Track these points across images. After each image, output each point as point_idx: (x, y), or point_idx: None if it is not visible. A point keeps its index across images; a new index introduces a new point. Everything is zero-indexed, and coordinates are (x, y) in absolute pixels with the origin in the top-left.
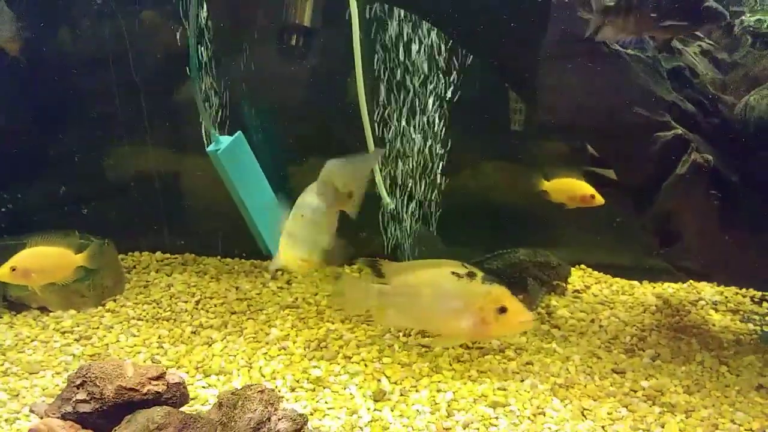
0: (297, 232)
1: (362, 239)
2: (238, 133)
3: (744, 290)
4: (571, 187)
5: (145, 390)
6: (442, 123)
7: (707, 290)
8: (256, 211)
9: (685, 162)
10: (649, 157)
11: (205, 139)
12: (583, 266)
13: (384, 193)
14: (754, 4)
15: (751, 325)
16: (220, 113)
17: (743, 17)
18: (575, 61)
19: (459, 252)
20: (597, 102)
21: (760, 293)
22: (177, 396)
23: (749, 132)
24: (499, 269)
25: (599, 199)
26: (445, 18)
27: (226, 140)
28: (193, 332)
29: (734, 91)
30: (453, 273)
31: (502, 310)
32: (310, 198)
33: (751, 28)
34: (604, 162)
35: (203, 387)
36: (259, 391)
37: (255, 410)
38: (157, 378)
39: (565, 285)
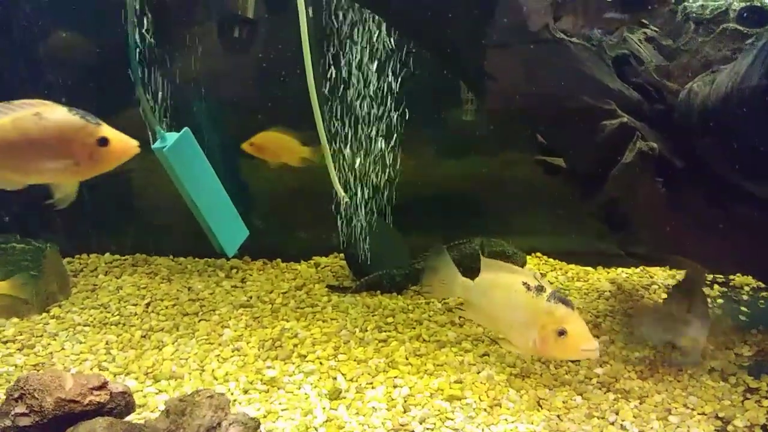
0: None
1: (319, 233)
2: (185, 129)
3: None
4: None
5: (86, 401)
6: (395, 114)
7: (660, 274)
8: (207, 209)
9: (631, 150)
10: (596, 145)
11: (150, 137)
12: (538, 254)
13: (338, 187)
14: None
15: None
16: (164, 109)
17: (686, 3)
18: (521, 50)
19: (415, 242)
20: (543, 90)
21: (711, 276)
22: (121, 405)
23: (693, 118)
24: (454, 260)
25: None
26: (390, 7)
27: (172, 137)
28: (143, 336)
29: (678, 78)
30: (524, 284)
31: (562, 332)
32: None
33: (694, 14)
34: (553, 150)
35: (154, 393)
36: (208, 396)
37: (204, 416)
38: (99, 388)
39: None
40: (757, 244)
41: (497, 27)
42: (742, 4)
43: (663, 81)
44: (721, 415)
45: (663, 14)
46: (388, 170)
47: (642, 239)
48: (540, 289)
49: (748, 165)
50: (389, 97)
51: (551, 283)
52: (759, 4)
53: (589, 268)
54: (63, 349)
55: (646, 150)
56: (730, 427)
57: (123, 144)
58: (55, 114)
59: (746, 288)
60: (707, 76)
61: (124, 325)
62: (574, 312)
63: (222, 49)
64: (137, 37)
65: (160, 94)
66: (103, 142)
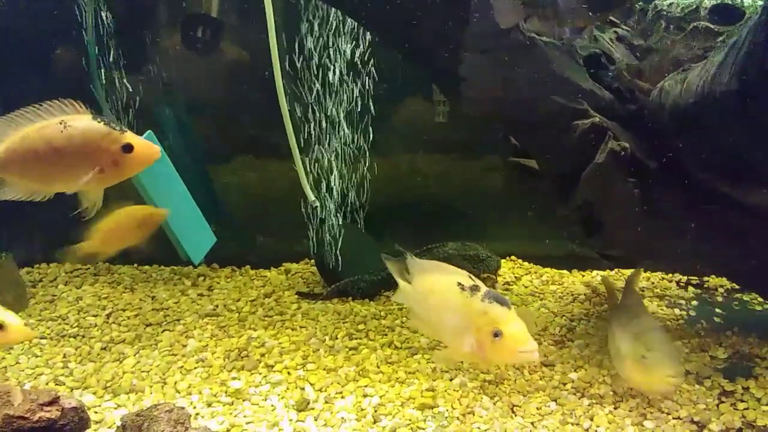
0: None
1: (290, 239)
2: (148, 132)
3: (670, 275)
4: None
5: (36, 417)
6: (366, 117)
7: None
8: (171, 215)
9: (602, 150)
10: (568, 145)
11: None
12: (513, 257)
13: (309, 192)
14: None
15: (677, 310)
16: (125, 111)
17: (656, 2)
18: (492, 50)
19: (389, 248)
20: (516, 92)
21: (685, 278)
22: (74, 422)
23: (665, 118)
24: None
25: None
26: (363, 10)
27: None
28: (103, 348)
29: (650, 77)
30: (458, 284)
31: (497, 334)
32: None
33: (665, 13)
34: (525, 152)
35: (112, 408)
36: (167, 411)
37: (162, 431)
38: (50, 403)
39: (495, 277)
40: (731, 245)
41: (467, 27)
42: (713, 2)
43: (635, 80)
44: (696, 419)
45: (635, 12)
46: (360, 175)
47: (615, 241)
48: (475, 288)
49: (720, 165)
50: (360, 99)
51: (525, 287)
52: (729, 2)
53: (564, 271)
54: (18, 362)
55: (617, 150)
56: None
57: (147, 149)
58: (80, 122)
59: (720, 289)
60: (678, 74)
61: (83, 337)
62: (510, 311)
63: (186, 50)
64: (95, 41)
65: (123, 96)
66: (128, 148)
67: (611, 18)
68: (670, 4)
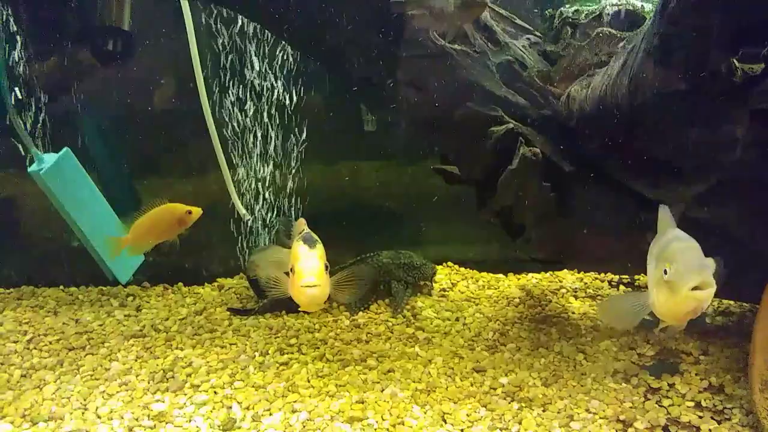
0: None
1: (223, 253)
2: (65, 149)
3: (602, 275)
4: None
5: None
6: (296, 127)
7: (568, 278)
8: (93, 234)
9: (516, 156)
10: (485, 152)
11: (26, 160)
12: (450, 263)
13: (239, 206)
14: None
15: None
16: (42, 128)
17: (562, 8)
18: (405, 59)
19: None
20: (430, 99)
21: (617, 277)
22: None
23: (573, 122)
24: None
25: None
26: (282, 23)
27: (50, 158)
28: (23, 376)
29: (561, 82)
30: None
31: (292, 269)
32: None
33: (570, 19)
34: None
35: None
36: None
37: None
38: None
39: (431, 284)
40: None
41: (380, 35)
42: (615, 8)
43: (547, 86)
44: (622, 417)
45: (546, 19)
46: (290, 184)
47: (538, 245)
48: (301, 233)
49: (628, 165)
50: (286, 109)
51: (461, 293)
52: (630, 8)
53: (501, 275)
54: None
55: (529, 155)
56: (631, 430)
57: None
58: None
59: None
60: (584, 80)
61: (2, 364)
62: (307, 249)
63: (97, 63)
64: (5, 55)
65: (37, 113)
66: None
67: (522, 24)
68: (575, 10)
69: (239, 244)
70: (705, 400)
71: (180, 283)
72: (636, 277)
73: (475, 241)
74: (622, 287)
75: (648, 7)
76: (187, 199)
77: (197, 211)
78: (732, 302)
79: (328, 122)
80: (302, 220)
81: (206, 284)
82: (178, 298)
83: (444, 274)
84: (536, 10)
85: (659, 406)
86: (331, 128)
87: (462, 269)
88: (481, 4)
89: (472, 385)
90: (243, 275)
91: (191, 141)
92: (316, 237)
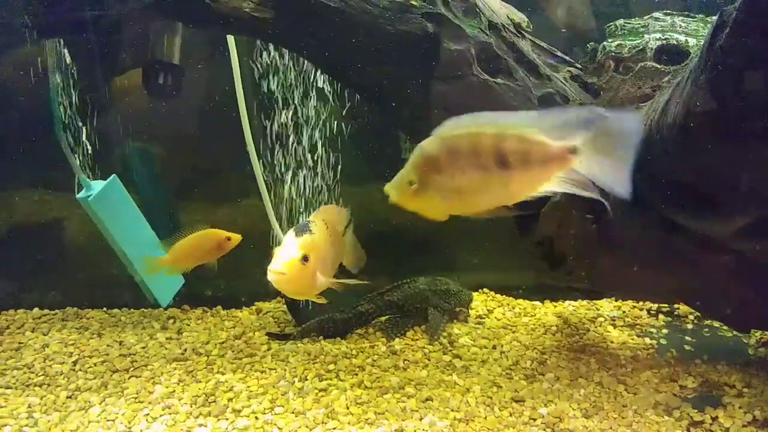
0: None
1: (262, 277)
2: (113, 176)
3: (641, 303)
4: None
5: None
6: (333, 152)
7: (606, 306)
8: (137, 259)
9: None
10: None
11: (75, 186)
12: (485, 290)
13: (277, 229)
14: (614, 29)
15: (647, 339)
16: (91, 157)
17: (605, 43)
18: (448, 91)
19: (359, 283)
20: None
21: (656, 305)
22: None
23: None
24: (399, 301)
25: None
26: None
27: (98, 185)
28: (69, 397)
29: None
30: None
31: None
32: None
33: (613, 53)
34: None
35: None
36: None
37: None
38: None
39: (467, 311)
40: (689, 275)
41: (425, 70)
42: (659, 43)
43: None
44: None
45: (588, 53)
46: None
47: (577, 275)
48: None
49: (673, 198)
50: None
51: (498, 320)
52: (675, 42)
53: (537, 303)
54: None
55: None
56: None
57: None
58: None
59: (690, 316)
60: None
61: (48, 385)
62: (293, 236)
63: (148, 96)
64: (59, 86)
65: (88, 143)
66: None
67: (563, 56)
68: (618, 44)
69: None
70: None
71: (219, 307)
72: (676, 306)
73: (509, 268)
74: (661, 316)
75: (692, 41)
76: (226, 222)
77: (236, 238)
78: None
79: (368, 148)
80: (330, 207)
81: (244, 308)
82: (217, 321)
83: (480, 301)
84: (575, 47)
85: None
86: (367, 153)
87: (498, 296)
88: None
89: (511, 415)
90: (280, 299)
91: (232, 166)
92: (316, 228)
